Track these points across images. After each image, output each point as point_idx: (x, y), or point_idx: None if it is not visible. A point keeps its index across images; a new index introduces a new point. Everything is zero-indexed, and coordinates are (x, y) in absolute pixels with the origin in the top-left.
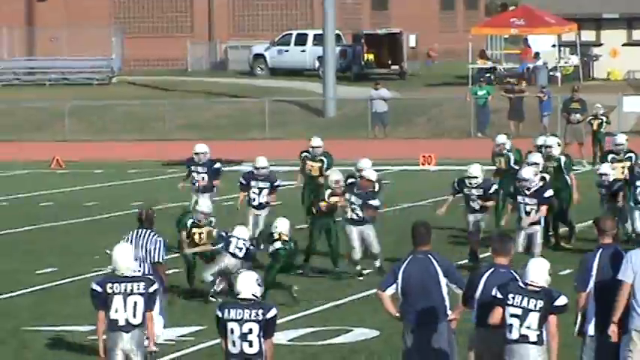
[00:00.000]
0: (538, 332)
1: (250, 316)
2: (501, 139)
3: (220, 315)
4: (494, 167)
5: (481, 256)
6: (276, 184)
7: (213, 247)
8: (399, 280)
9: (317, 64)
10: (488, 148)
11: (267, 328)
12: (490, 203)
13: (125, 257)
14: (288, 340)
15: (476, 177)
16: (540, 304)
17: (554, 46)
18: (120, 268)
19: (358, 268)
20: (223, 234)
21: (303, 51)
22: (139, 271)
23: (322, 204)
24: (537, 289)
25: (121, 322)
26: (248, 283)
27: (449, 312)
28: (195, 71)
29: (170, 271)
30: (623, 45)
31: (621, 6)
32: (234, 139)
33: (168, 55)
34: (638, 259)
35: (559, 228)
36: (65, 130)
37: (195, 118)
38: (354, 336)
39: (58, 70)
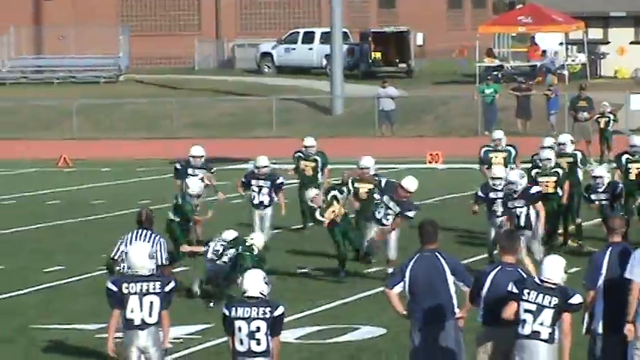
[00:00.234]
0: (550, 330)
1: (258, 314)
2: (498, 134)
3: (227, 313)
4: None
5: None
6: (279, 181)
7: (203, 249)
8: (407, 278)
9: (324, 62)
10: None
11: (275, 326)
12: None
13: (141, 256)
14: (296, 339)
15: (499, 178)
16: (555, 301)
17: (561, 44)
18: (135, 266)
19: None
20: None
21: (311, 49)
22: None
23: (325, 222)
24: (553, 286)
25: (137, 322)
26: (255, 282)
27: (456, 310)
28: (203, 69)
29: (178, 270)
30: (631, 43)
31: (628, 4)
32: (240, 137)
33: (175, 53)
34: None
35: (569, 226)
36: (72, 128)
37: (202, 117)
38: (362, 334)
39: (65, 69)
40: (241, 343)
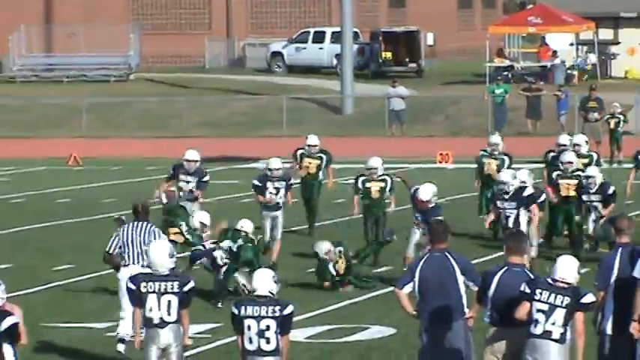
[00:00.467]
0: (562, 330)
1: (267, 312)
2: (496, 139)
3: (237, 312)
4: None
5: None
6: (290, 182)
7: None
8: (416, 278)
9: (335, 61)
10: (505, 147)
11: (284, 325)
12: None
13: (161, 254)
14: (306, 338)
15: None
16: (567, 300)
17: (571, 44)
18: (155, 265)
19: None
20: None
21: (321, 48)
22: (174, 268)
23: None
24: (565, 285)
25: (156, 321)
26: (264, 280)
27: (466, 310)
28: (213, 68)
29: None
30: None
31: (639, 5)
32: (250, 136)
33: (185, 52)
34: None
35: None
36: (82, 126)
37: (212, 116)
38: (371, 334)
39: (75, 67)
40: (251, 341)
